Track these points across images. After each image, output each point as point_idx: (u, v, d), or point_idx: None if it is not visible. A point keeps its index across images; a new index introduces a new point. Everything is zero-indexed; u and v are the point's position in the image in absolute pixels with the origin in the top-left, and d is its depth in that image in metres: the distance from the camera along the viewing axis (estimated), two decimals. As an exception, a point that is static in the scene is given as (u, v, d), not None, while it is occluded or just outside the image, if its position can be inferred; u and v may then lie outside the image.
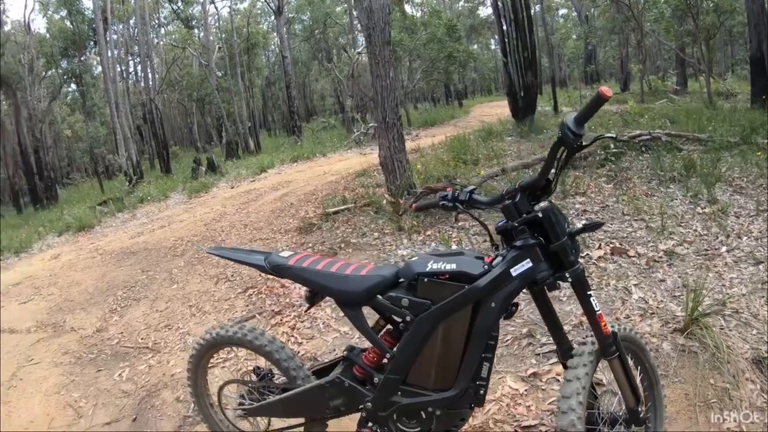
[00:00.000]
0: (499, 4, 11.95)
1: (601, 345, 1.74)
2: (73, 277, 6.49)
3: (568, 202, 5.48)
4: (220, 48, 28.84)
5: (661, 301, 3.13)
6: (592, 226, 1.83)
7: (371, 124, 18.66)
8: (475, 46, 37.01)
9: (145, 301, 5.23)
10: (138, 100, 27.95)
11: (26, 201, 26.99)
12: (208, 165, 17.22)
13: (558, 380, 2.50)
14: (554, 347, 2.00)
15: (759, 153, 6.12)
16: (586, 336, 1.85)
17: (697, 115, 9.32)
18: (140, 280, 5.85)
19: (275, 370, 2.23)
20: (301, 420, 2.18)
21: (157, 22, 26.90)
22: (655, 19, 15.84)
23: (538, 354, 2.79)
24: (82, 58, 27.62)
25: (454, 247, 4.64)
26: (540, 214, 1.69)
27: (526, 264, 1.68)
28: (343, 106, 32.60)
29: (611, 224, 4.56)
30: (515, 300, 1.76)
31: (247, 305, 4.65)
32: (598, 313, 1.73)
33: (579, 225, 1.78)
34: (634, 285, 3.38)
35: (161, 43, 30.92)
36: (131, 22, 27.53)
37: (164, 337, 4.34)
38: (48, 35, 27.45)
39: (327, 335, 3.71)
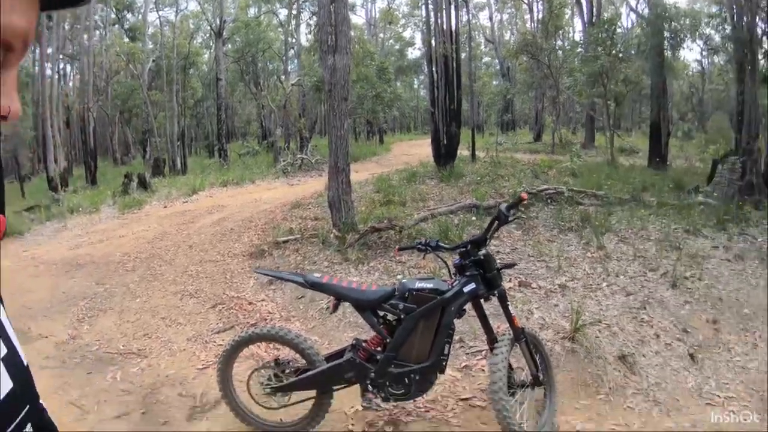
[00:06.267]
0: (433, 65, 13.03)
1: (514, 334, 2.77)
2: (22, 284, 6.59)
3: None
4: (154, 60, 28.33)
5: (555, 319, 4.22)
6: (510, 265, 3.10)
7: (299, 155, 19.28)
8: (399, 84, 38.18)
9: (111, 313, 5.54)
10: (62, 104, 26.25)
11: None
12: (139, 181, 16.94)
13: (482, 371, 3.50)
14: (478, 349, 3.07)
15: (643, 211, 7.23)
16: (505, 331, 2.87)
17: (598, 173, 10.60)
18: (98, 293, 6.10)
19: (294, 358, 3.00)
20: (313, 393, 2.91)
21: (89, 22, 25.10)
22: (569, 87, 17.34)
23: (468, 353, 3.78)
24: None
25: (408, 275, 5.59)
26: (482, 257, 2.74)
27: (473, 285, 2.72)
28: (266, 132, 32.80)
29: (519, 264, 5.59)
30: (464, 307, 2.77)
31: (220, 318, 5.10)
32: (513, 314, 2.80)
33: (500, 264, 2.86)
34: (536, 308, 4.46)
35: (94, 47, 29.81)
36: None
37: (147, 345, 4.70)
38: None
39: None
